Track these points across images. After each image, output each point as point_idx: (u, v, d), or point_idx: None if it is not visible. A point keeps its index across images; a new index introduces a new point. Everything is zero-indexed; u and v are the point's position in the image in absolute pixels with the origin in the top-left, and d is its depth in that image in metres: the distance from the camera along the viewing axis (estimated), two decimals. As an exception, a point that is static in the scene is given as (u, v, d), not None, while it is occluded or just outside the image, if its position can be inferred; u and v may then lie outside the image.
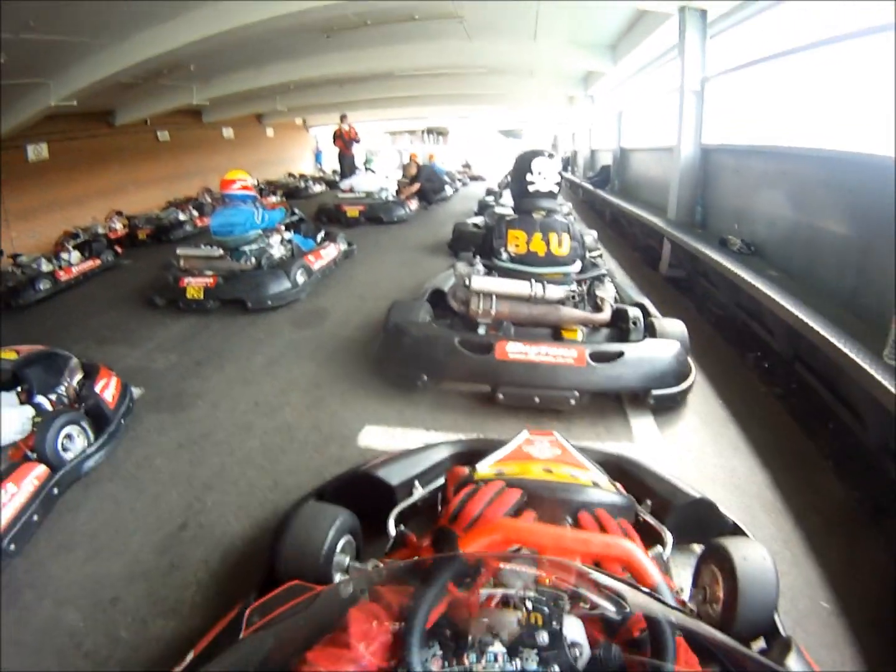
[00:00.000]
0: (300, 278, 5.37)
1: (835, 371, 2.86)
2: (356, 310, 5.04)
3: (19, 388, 2.82)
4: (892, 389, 2.16)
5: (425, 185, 11.24)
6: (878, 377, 2.26)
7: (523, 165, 3.64)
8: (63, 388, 2.94)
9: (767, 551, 1.67)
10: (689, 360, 3.42)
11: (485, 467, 1.88)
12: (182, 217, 9.27)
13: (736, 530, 2.03)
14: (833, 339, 2.66)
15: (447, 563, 1.04)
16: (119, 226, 8.67)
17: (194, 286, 4.94)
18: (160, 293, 5.13)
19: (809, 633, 1.80)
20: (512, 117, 21.67)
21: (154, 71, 7.31)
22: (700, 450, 2.87)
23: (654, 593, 1.04)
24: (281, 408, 3.27)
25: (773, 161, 4.44)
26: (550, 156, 3.72)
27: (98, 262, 6.79)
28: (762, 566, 1.61)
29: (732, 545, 1.67)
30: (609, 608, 0.96)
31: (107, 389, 3.06)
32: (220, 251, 5.26)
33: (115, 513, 2.37)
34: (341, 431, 3.00)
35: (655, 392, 3.16)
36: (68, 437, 2.64)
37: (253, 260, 5.28)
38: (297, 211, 6.69)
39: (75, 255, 6.62)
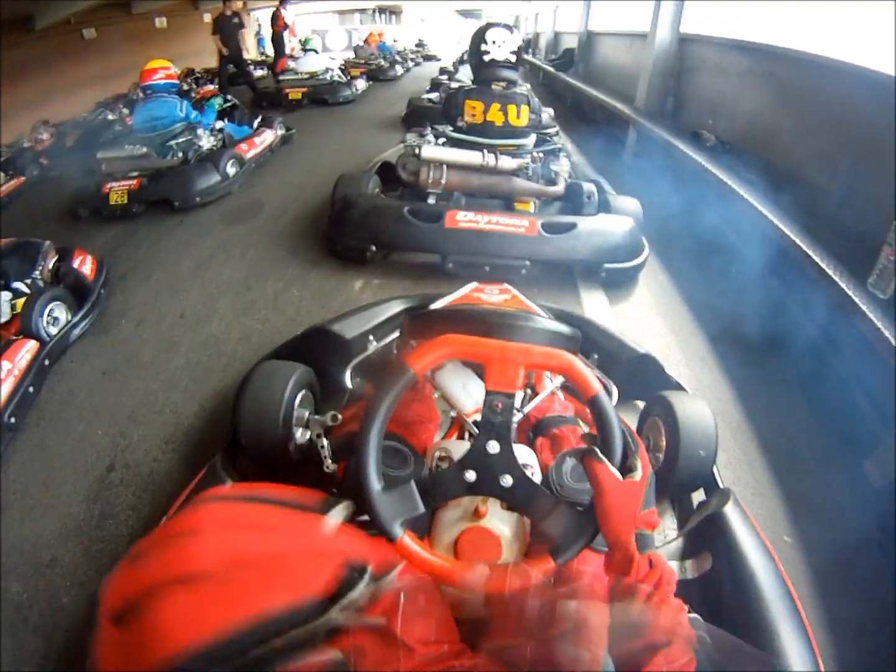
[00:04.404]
0: (231, 170, 4.99)
1: (807, 286, 2.68)
2: (293, 199, 4.75)
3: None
4: (874, 319, 2.07)
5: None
6: (862, 305, 2.15)
7: (478, 36, 3.54)
8: (38, 271, 3.00)
9: (708, 406, 1.76)
10: (643, 238, 3.40)
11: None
12: (111, 117, 8.47)
13: (679, 388, 2.08)
14: (819, 260, 2.48)
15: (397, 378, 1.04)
16: (45, 136, 7.85)
17: (117, 191, 4.49)
18: (83, 204, 4.65)
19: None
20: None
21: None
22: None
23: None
24: (208, 318, 3.03)
25: (761, 60, 4.08)
26: (507, 26, 3.57)
27: (22, 179, 6.13)
28: (702, 418, 1.71)
29: (675, 398, 1.78)
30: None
31: (84, 265, 3.23)
32: (144, 149, 4.76)
33: (44, 462, 2.20)
34: (272, 340, 2.68)
35: (607, 265, 3.18)
36: (52, 313, 2.80)
37: (180, 154, 4.83)
38: (229, 97, 6.11)
39: (-1, 176, 6.01)
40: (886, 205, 2.50)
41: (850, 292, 2.22)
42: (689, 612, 1.28)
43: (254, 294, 3.22)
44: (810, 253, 2.55)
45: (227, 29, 8.89)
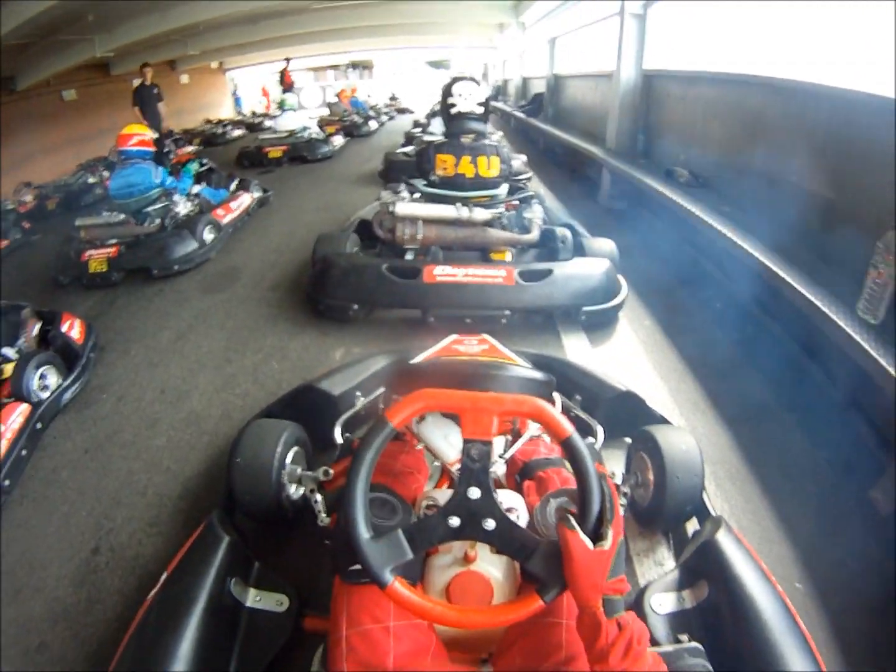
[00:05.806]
0: (208, 236, 4.96)
1: (797, 317, 2.64)
2: (270, 265, 4.74)
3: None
4: (868, 348, 2.03)
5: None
6: (854, 334, 2.11)
7: (446, 90, 3.65)
8: (22, 339, 3.05)
9: (692, 436, 1.81)
10: (620, 277, 3.43)
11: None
12: (92, 180, 8.39)
13: (663, 422, 2.10)
14: (805, 291, 2.44)
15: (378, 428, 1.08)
16: (29, 198, 7.74)
17: (96, 258, 4.48)
18: (63, 271, 4.63)
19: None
20: (439, 48, 20.93)
21: (49, 26, 6.63)
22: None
23: None
24: (188, 394, 2.98)
25: (725, 88, 4.10)
26: (472, 79, 3.69)
27: (5, 242, 6.06)
28: (688, 450, 1.75)
29: (659, 432, 1.81)
30: None
31: (72, 329, 3.26)
32: (122, 216, 4.76)
33: (29, 542, 2.16)
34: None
35: (586, 308, 3.21)
36: (42, 376, 2.81)
37: (157, 221, 4.80)
38: (205, 161, 6.15)
39: (-18, 240, 5.89)
40: (868, 225, 2.46)
41: (840, 321, 2.18)
42: (689, 640, 1.37)
43: (233, 367, 3.17)
44: (794, 284, 2.52)
45: (146, 99, 8.79)
